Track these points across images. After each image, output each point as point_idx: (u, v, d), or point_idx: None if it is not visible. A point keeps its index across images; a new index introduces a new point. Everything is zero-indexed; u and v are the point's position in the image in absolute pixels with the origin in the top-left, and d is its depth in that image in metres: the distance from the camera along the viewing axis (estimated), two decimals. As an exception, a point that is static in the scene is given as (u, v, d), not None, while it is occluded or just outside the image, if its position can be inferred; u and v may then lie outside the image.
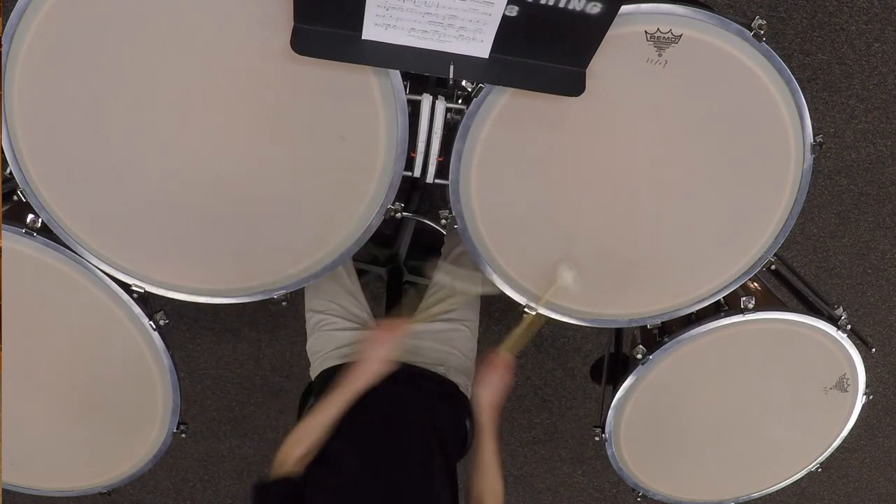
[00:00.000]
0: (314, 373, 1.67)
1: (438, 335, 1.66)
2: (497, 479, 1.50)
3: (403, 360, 1.59)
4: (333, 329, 1.66)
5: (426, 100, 1.29)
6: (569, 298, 1.53)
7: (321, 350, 1.66)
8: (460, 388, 1.63)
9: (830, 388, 1.80)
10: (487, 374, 1.51)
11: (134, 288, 1.45)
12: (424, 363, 1.61)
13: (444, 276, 1.76)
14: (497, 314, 2.57)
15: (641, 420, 1.76)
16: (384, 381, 1.54)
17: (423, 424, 1.49)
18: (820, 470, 1.97)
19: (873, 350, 1.90)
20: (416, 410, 1.52)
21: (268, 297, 1.49)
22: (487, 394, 1.51)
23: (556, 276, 1.45)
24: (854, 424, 1.88)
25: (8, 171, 1.31)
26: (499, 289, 1.52)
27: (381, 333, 1.47)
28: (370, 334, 1.48)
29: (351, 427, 1.46)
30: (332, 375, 1.60)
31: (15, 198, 1.37)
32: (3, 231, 1.38)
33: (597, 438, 1.80)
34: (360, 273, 2.16)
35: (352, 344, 1.63)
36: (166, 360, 1.55)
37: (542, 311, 1.55)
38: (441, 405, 1.57)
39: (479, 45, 1.18)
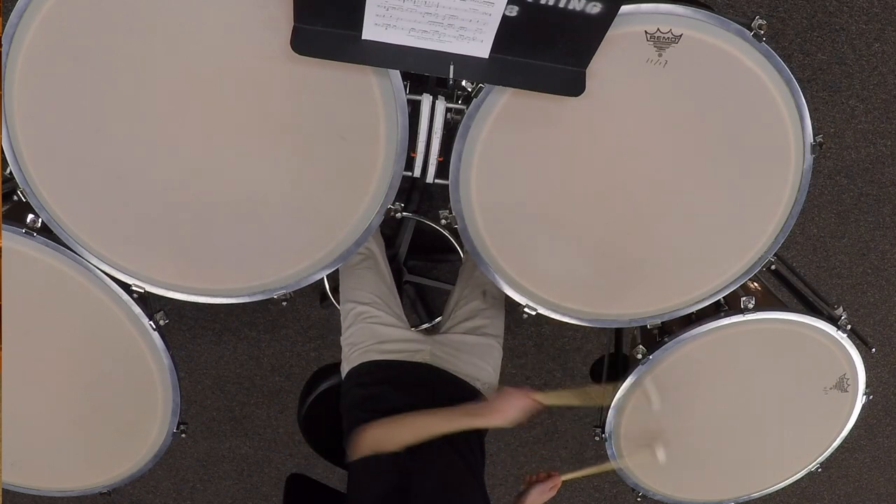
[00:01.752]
0: (351, 363, 1.65)
1: (477, 350, 1.67)
2: None
3: (446, 368, 1.60)
4: (377, 322, 1.66)
5: (426, 100, 1.30)
6: (569, 299, 1.54)
7: (362, 342, 1.65)
8: None
9: (830, 388, 1.80)
10: (542, 491, 1.58)
11: (134, 288, 1.45)
12: (465, 376, 1.61)
13: (475, 289, 1.76)
14: (497, 316, 2.57)
15: (641, 420, 1.76)
16: (430, 391, 1.54)
17: (461, 440, 1.49)
18: (820, 470, 1.97)
19: (873, 350, 1.90)
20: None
21: (268, 297, 1.49)
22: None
23: (652, 454, 1.55)
24: (854, 424, 1.88)
25: (8, 171, 1.31)
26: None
27: (518, 395, 1.45)
28: (508, 391, 1.47)
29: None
30: (375, 370, 1.60)
31: (15, 198, 1.37)
32: (3, 231, 1.38)
33: (597, 438, 1.80)
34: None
35: (395, 341, 1.63)
36: (166, 360, 1.55)
37: (543, 311, 1.55)
38: None
39: (479, 45, 1.18)
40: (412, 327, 1.75)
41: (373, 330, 1.65)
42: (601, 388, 1.59)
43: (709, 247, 1.50)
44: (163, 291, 1.47)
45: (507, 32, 1.15)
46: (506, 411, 1.44)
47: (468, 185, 1.39)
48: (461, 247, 1.84)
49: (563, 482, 1.63)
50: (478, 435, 1.56)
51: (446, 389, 1.58)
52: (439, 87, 1.37)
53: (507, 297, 1.54)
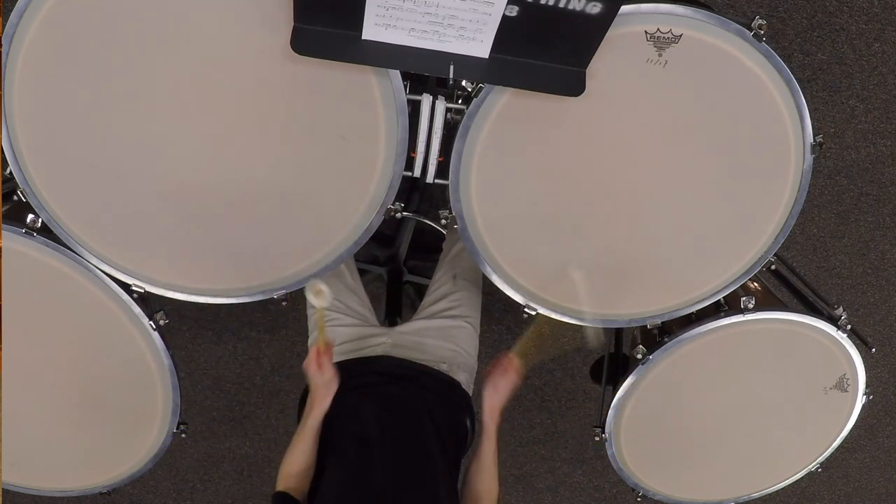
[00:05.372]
0: None
1: (441, 332, 1.67)
2: (494, 482, 1.50)
3: (407, 357, 1.60)
4: (335, 325, 1.67)
5: (426, 100, 1.29)
6: (569, 298, 1.53)
7: None
8: (462, 385, 1.63)
9: (830, 388, 1.80)
10: (496, 376, 1.51)
11: (134, 288, 1.45)
12: (428, 360, 1.61)
13: (445, 273, 1.76)
14: (497, 314, 2.57)
15: (641, 420, 1.76)
16: (388, 381, 1.55)
17: (426, 424, 1.49)
18: (820, 470, 1.97)
19: (873, 350, 1.90)
20: (419, 409, 1.52)
21: (268, 297, 1.49)
22: (493, 397, 1.51)
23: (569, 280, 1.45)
24: (854, 424, 1.88)
25: (8, 171, 1.31)
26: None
27: (314, 358, 1.45)
28: (306, 363, 1.47)
29: (355, 427, 1.47)
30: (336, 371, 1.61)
31: (15, 198, 1.37)
32: (3, 231, 1.38)
33: (597, 438, 1.80)
34: (360, 273, 2.16)
35: (353, 340, 1.63)
36: (166, 360, 1.55)
37: (542, 310, 1.55)
38: (443, 404, 1.57)
39: (479, 45, 1.18)
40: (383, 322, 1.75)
41: (331, 333, 1.66)
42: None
43: (709, 247, 1.50)
44: (163, 291, 1.47)
45: (507, 32, 1.15)
46: (317, 388, 1.44)
47: (468, 185, 1.39)
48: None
49: (519, 361, 1.52)
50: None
51: (404, 376, 1.58)
52: (439, 87, 1.37)
53: (507, 297, 1.54)
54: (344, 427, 1.48)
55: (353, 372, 1.59)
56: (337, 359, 1.62)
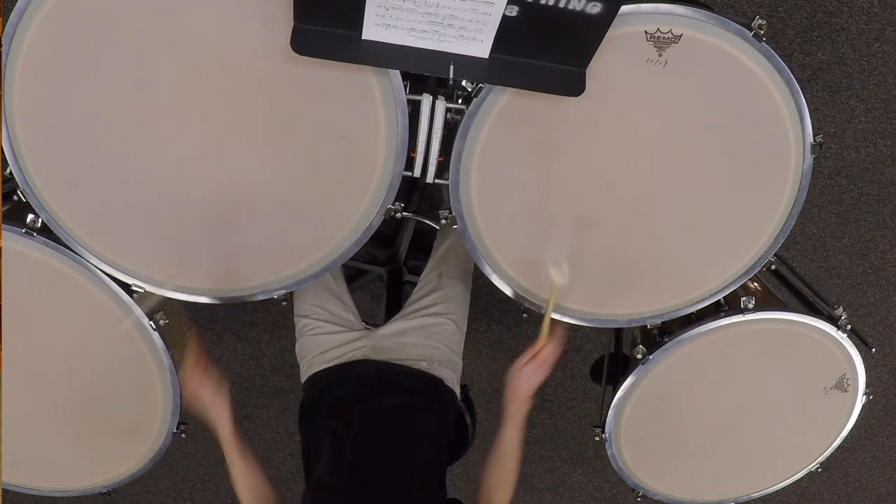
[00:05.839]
0: (303, 378, 1.67)
1: (421, 330, 1.65)
2: (512, 471, 1.46)
3: (384, 359, 1.59)
4: (318, 333, 1.66)
5: (426, 100, 1.29)
6: (569, 299, 1.53)
7: (307, 355, 1.67)
8: (445, 382, 1.62)
9: (830, 388, 1.80)
10: (526, 363, 1.42)
11: (134, 288, 1.45)
12: (406, 360, 1.60)
13: (431, 272, 1.75)
14: (497, 314, 2.57)
15: (641, 420, 1.76)
16: (368, 390, 1.54)
17: (405, 429, 1.48)
18: (820, 470, 1.97)
19: (873, 350, 1.90)
20: (399, 413, 1.51)
21: (268, 297, 1.49)
22: (516, 380, 1.43)
23: (552, 281, 1.42)
24: (854, 424, 1.88)
25: (8, 171, 1.31)
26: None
27: (190, 381, 1.48)
28: (184, 389, 1.52)
29: (331, 439, 1.47)
30: (319, 380, 1.61)
31: (15, 198, 1.37)
32: (3, 231, 1.38)
33: (597, 438, 1.80)
34: (360, 273, 2.16)
35: (335, 347, 1.63)
36: (166, 360, 1.55)
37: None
38: (427, 404, 1.56)
39: (480, 45, 1.18)
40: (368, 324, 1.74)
41: (315, 341, 1.66)
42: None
43: (709, 247, 1.50)
44: (163, 291, 1.47)
45: (507, 32, 1.15)
46: (210, 410, 1.57)
47: (468, 185, 1.39)
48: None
49: (551, 347, 1.41)
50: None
51: (383, 378, 1.57)
52: (439, 87, 1.37)
53: (507, 297, 1.54)
54: (321, 449, 1.48)
55: (333, 381, 1.59)
56: (319, 368, 1.62)
